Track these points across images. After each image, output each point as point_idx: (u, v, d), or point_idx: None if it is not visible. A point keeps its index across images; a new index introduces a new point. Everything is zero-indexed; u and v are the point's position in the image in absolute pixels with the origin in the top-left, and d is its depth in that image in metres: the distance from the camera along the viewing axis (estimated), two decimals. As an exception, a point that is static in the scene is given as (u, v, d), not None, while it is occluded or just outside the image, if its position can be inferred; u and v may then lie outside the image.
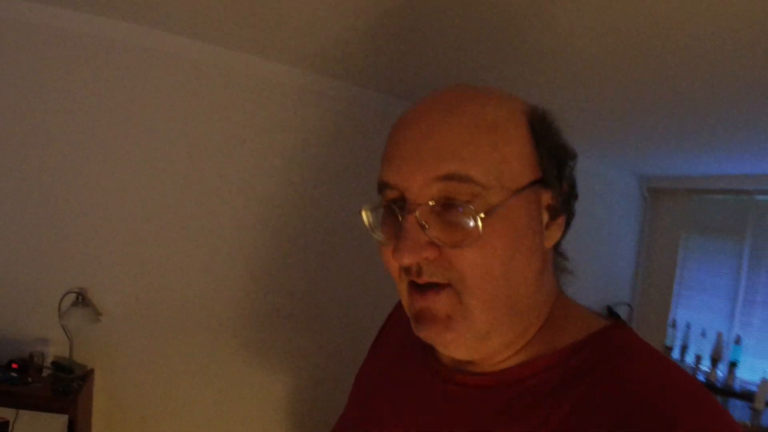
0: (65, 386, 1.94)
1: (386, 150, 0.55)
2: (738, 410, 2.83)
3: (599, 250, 3.88)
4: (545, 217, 0.54)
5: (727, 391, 3.17)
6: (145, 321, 2.35)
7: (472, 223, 0.48)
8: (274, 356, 2.69)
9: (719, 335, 3.44)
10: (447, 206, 0.50)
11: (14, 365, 1.95)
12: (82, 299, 2.15)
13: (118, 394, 2.30)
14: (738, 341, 3.34)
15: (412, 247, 0.49)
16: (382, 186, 0.54)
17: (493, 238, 0.49)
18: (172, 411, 2.44)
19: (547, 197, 0.54)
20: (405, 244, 0.49)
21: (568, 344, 0.53)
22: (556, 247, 0.59)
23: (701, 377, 3.38)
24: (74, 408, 1.88)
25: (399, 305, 0.77)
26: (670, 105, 2.29)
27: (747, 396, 2.99)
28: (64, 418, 1.88)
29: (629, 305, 4.14)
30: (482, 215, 0.48)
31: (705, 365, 3.50)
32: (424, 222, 0.50)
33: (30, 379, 1.94)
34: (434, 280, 0.51)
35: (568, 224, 0.58)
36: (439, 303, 0.51)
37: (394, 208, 0.53)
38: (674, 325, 3.86)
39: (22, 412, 1.81)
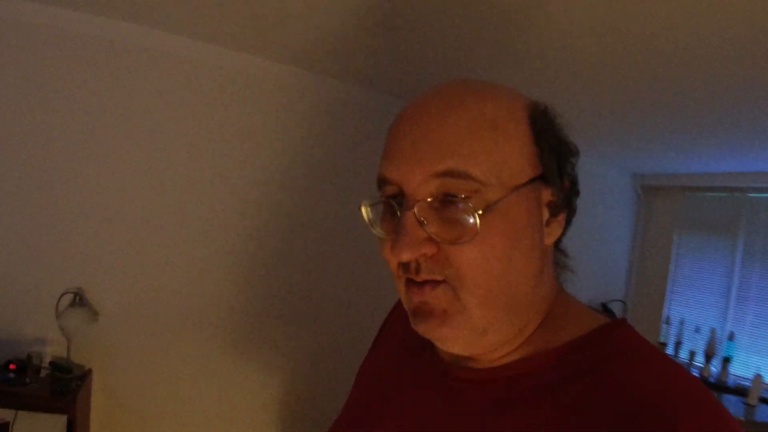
0: (63, 386, 1.94)
1: (386, 145, 0.55)
2: (732, 406, 2.86)
3: (593, 247, 3.91)
4: (545, 214, 0.54)
5: (721, 386, 3.20)
6: (143, 321, 2.34)
7: (470, 220, 0.48)
8: (271, 355, 2.69)
9: (713, 331, 3.48)
10: (445, 203, 0.49)
11: (12, 366, 1.94)
12: (79, 299, 2.14)
13: (116, 393, 2.29)
14: (731, 337, 3.38)
15: (410, 243, 0.49)
16: (381, 181, 0.54)
17: (491, 234, 0.48)
18: (170, 410, 2.44)
19: (547, 194, 0.54)
20: (403, 240, 0.49)
21: (567, 341, 0.53)
22: (557, 244, 0.59)
23: (695, 373, 3.42)
24: (73, 408, 1.87)
25: (399, 303, 0.77)
26: (665, 103, 2.31)
27: (740, 391, 3.02)
28: (63, 419, 1.87)
29: (623, 302, 4.17)
30: (480, 212, 0.48)
31: (699, 361, 3.53)
32: (422, 218, 0.50)
33: (28, 380, 1.93)
34: (431, 277, 0.51)
35: (569, 221, 0.58)
36: (436, 298, 0.51)
37: (393, 204, 0.53)
38: (668, 322, 3.90)
39: (20, 413, 1.79)
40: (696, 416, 0.41)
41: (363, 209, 0.58)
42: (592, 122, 2.71)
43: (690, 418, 0.41)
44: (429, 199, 0.50)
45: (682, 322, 3.79)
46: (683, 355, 3.66)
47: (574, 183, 0.57)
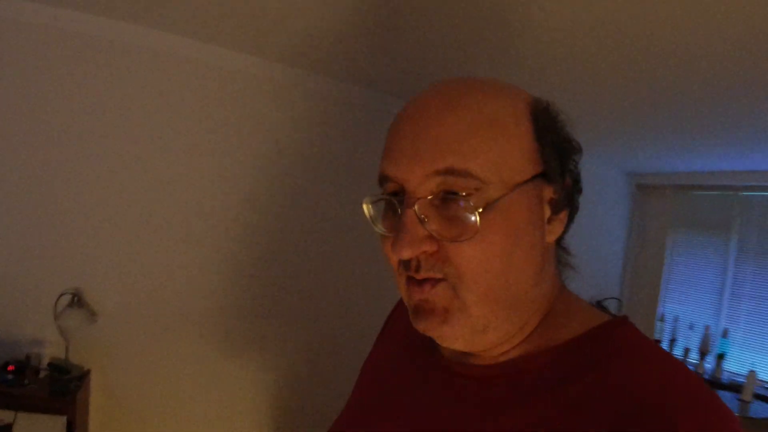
0: (62, 387, 1.94)
1: (387, 142, 0.55)
2: (726, 402, 2.87)
3: (589, 245, 3.93)
4: (547, 211, 0.54)
5: (715, 383, 3.24)
6: (141, 321, 2.34)
7: (470, 218, 0.48)
8: (268, 353, 2.69)
9: (707, 328, 3.51)
10: (446, 200, 0.49)
11: (10, 367, 1.94)
12: (77, 300, 2.14)
13: (115, 394, 2.29)
14: (725, 334, 3.41)
15: (410, 241, 0.49)
16: (383, 179, 0.54)
17: (491, 232, 0.48)
18: (169, 410, 2.44)
19: (549, 192, 0.53)
20: (403, 238, 0.49)
21: (568, 339, 0.53)
22: (559, 241, 0.59)
23: (690, 370, 3.44)
24: (72, 409, 1.88)
25: (401, 300, 0.77)
26: (660, 103, 2.33)
27: (735, 388, 3.05)
28: (62, 420, 1.88)
29: (618, 300, 4.20)
30: (480, 210, 0.48)
31: (693, 358, 3.57)
32: (423, 216, 0.49)
33: (27, 381, 1.93)
34: (431, 275, 0.51)
35: (571, 219, 0.58)
36: (437, 296, 0.51)
37: (394, 202, 0.53)
38: (663, 319, 3.93)
39: (20, 414, 1.79)
40: (696, 415, 0.41)
41: (365, 206, 0.58)
42: (588, 122, 2.73)
43: (690, 417, 0.41)
44: (429, 197, 0.50)
45: (676, 319, 3.83)
46: (677, 352, 3.69)
47: (576, 180, 0.57)
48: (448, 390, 0.58)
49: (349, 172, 2.83)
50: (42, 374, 2.03)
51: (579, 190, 0.58)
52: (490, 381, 0.54)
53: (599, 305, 0.60)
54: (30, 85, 2.04)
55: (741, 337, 3.46)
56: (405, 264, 0.53)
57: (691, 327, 3.68)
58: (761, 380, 3.09)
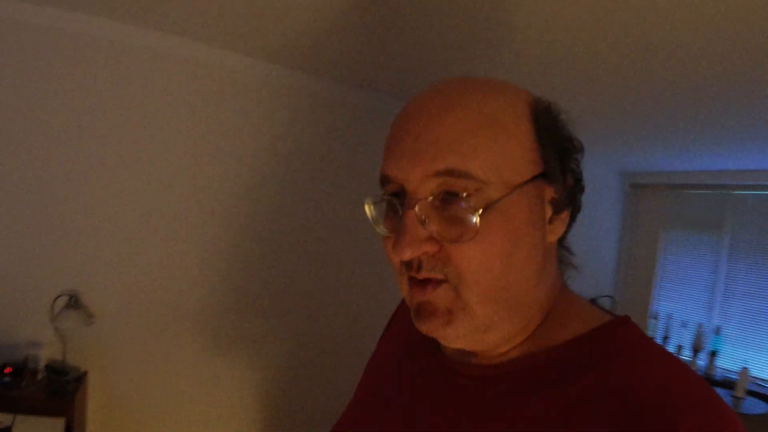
0: (60, 389, 1.93)
1: (387, 142, 0.55)
2: (719, 398, 2.91)
3: (582, 243, 3.93)
4: (548, 211, 0.53)
5: (708, 379, 3.27)
6: (139, 322, 2.34)
7: (471, 219, 0.48)
8: (266, 353, 2.70)
9: (699, 326, 3.55)
10: (446, 201, 0.49)
11: (8, 369, 1.93)
12: (74, 301, 2.13)
13: (112, 395, 2.29)
14: (718, 331, 3.45)
15: (411, 242, 0.49)
16: (383, 179, 0.54)
17: (491, 233, 0.48)
18: (167, 410, 2.44)
19: (550, 192, 0.53)
20: (404, 239, 0.49)
21: (570, 339, 0.52)
22: (561, 241, 0.58)
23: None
24: (71, 411, 1.88)
25: (404, 301, 0.76)
26: (654, 103, 2.35)
27: (728, 384, 3.09)
28: (61, 422, 1.87)
29: (612, 297, 4.23)
30: (480, 211, 0.48)
31: (686, 355, 3.60)
32: (423, 216, 0.49)
33: (24, 383, 1.93)
34: (432, 275, 0.51)
35: (573, 218, 0.57)
36: (439, 297, 0.51)
37: (395, 203, 0.53)
38: (656, 317, 3.97)
39: (19, 416, 1.79)
40: (697, 416, 0.41)
41: (366, 207, 0.58)
42: (583, 121, 2.75)
43: (691, 417, 0.41)
44: (429, 198, 0.49)
45: (669, 317, 3.87)
46: (670, 350, 3.71)
47: (578, 180, 0.57)
48: (451, 389, 0.58)
49: (345, 172, 2.83)
50: (40, 376, 2.03)
51: (581, 190, 0.57)
52: (492, 380, 0.54)
53: (592, 303, 0.60)
54: (24, 87, 2.04)
55: (733, 334, 3.51)
56: (407, 264, 0.53)
57: (684, 324, 3.72)
58: (753, 377, 3.13)
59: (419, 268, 0.51)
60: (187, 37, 2.27)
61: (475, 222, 0.48)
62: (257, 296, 2.64)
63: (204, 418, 2.54)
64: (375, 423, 0.64)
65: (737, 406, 2.82)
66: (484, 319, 0.51)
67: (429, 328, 0.53)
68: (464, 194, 0.48)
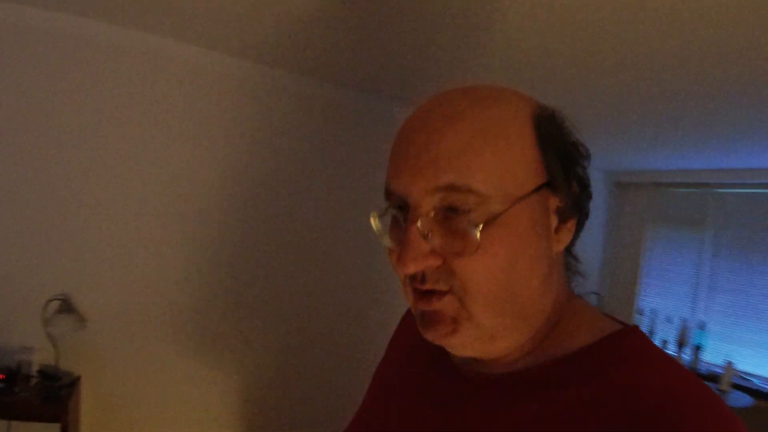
0: (54, 394, 1.92)
1: (391, 155, 0.55)
2: (704, 392, 2.98)
3: (569, 242, 4.00)
4: (554, 221, 0.53)
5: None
6: (131, 325, 2.32)
7: (473, 233, 0.48)
8: (259, 357, 2.70)
9: (684, 321, 3.62)
10: (449, 215, 0.49)
11: (1, 375, 1.91)
12: (66, 305, 2.11)
13: (105, 399, 2.27)
14: (702, 326, 3.52)
15: (414, 256, 0.49)
16: (387, 193, 0.54)
17: (494, 246, 0.48)
18: (160, 414, 2.43)
19: (555, 201, 0.53)
20: (407, 254, 0.49)
21: (579, 347, 0.52)
22: (569, 248, 0.58)
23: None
24: (65, 416, 1.86)
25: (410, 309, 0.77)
26: (638, 104, 2.39)
27: (713, 378, 3.16)
28: (56, 427, 1.86)
29: (598, 294, 4.29)
30: (481, 226, 0.47)
31: (671, 350, 3.67)
32: (426, 231, 0.49)
33: (17, 389, 1.91)
34: (437, 287, 0.51)
35: (581, 225, 0.57)
36: (444, 307, 0.51)
37: (399, 217, 0.53)
38: (641, 312, 4.04)
39: (14, 423, 1.77)
40: (700, 418, 0.42)
41: (372, 220, 0.58)
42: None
43: (694, 420, 0.41)
44: (431, 214, 0.50)
45: (654, 312, 3.94)
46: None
47: (585, 186, 0.56)
48: (458, 397, 0.58)
49: (338, 173, 2.84)
50: (33, 382, 2.01)
51: (588, 196, 0.57)
52: (499, 388, 0.54)
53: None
54: (12, 90, 2.02)
55: (717, 329, 3.58)
56: (411, 276, 0.53)
57: (668, 320, 3.79)
58: (738, 370, 3.21)
59: (423, 280, 0.51)
60: (176, 39, 2.26)
61: (477, 236, 0.48)
62: (251, 299, 2.63)
63: (198, 421, 2.53)
64: (383, 429, 0.64)
65: (723, 399, 2.88)
66: (489, 329, 0.51)
67: (435, 336, 0.53)
68: (466, 209, 0.48)
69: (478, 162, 0.48)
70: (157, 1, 1.86)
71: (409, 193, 0.50)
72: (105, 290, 2.25)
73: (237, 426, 2.66)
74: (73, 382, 2.08)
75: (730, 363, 3.06)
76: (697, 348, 3.48)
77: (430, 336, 0.53)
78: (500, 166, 0.48)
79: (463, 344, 0.53)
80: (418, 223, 0.49)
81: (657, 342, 3.75)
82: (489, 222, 0.48)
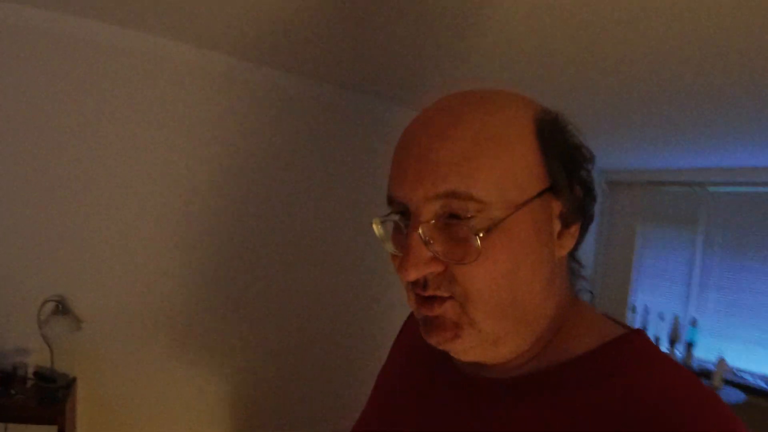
0: (50, 396, 1.92)
1: (392, 161, 0.55)
2: (697, 387, 3.01)
3: (562, 240, 4.02)
4: (557, 226, 0.53)
5: (685, 370, 3.37)
6: (127, 327, 2.32)
7: (474, 240, 0.48)
8: (255, 358, 2.70)
9: (676, 318, 3.65)
10: (450, 222, 0.49)
11: (-4, 378, 1.89)
12: (62, 307, 2.09)
13: (101, 401, 2.26)
14: (694, 323, 3.56)
15: (415, 263, 0.49)
16: (389, 199, 0.54)
17: (495, 253, 0.48)
18: (156, 416, 2.42)
19: (558, 206, 0.52)
20: (408, 261, 0.49)
21: (583, 352, 0.52)
22: (572, 252, 0.58)
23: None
24: (62, 418, 1.85)
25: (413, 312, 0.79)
26: (630, 104, 2.41)
27: (705, 374, 3.20)
28: (53, 429, 1.85)
29: (591, 292, 4.31)
30: (481, 234, 0.47)
31: (663, 347, 3.71)
32: (427, 238, 0.50)
33: (13, 391, 1.90)
34: (438, 293, 0.51)
35: (585, 229, 0.56)
36: (446, 312, 0.51)
37: (400, 224, 0.54)
38: (633, 310, 4.07)
39: (11, 426, 1.75)
40: (704, 425, 0.42)
41: (374, 226, 0.58)
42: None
43: (698, 426, 0.42)
44: (433, 221, 0.50)
45: (646, 310, 3.97)
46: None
47: (589, 190, 0.56)
48: (462, 401, 0.58)
49: (328, 173, 2.84)
50: (29, 384, 1.99)
51: (593, 199, 0.56)
52: (503, 393, 0.54)
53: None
54: (5, 92, 2.00)
55: (709, 325, 3.62)
56: (413, 282, 0.53)
57: (661, 317, 3.83)
58: (730, 366, 3.25)
59: (425, 286, 0.52)
60: (174, 39, 2.25)
61: (478, 243, 0.48)
62: (247, 300, 2.63)
63: (194, 421, 2.53)
64: (386, 431, 0.64)
65: (723, 401, 2.91)
66: (491, 334, 0.52)
67: (437, 341, 0.53)
68: (467, 215, 0.48)
69: (479, 169, 0.48)
70: (154, 1, 1.85)
71: (410, 200, 0.50)
72: (100, 291, 2.24)
73: (233, 427, 2.65)
74: (70, 384, 2.07)
75: (722, 359, 3.10)
76: (689, 344, 3.52)
77: (433, 341, 0.53)
78: (501, 172, 0.48)
79: (465, 349, 0.53)
80: (420, 230, 0.49)
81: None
82: (490, 229, 0.48)
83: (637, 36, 1.67)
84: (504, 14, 1.63)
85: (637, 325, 3.90)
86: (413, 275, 0.50)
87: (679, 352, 3.57)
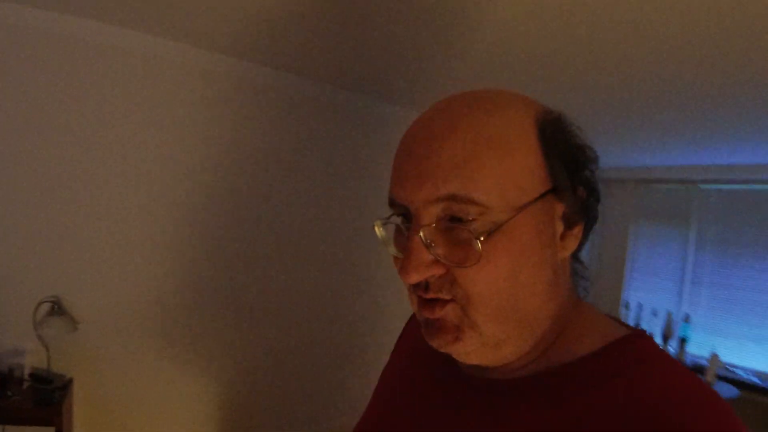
0: (47, 397, 1.91)
1: (394, 163, 0.54)
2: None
3: (555, 238, 4.05)
4: (560, 227, 0.53)
5: (678, 366, 3.39)
6: (123, 327, 2.31)
7: (475, 243, 0.47)
8: (253, 358, 2.70)
9: (669, 314, 3.68)
10: (451, 225, 0.49)
11: (-8, 379, 1.89)
12: (58, 308, 2.09)
13: (98, 402, 2.26)
14: (687, 319, 3.59)
15: (416, 266, 0.49)
16: (391, 201, 0.54)
17: (496, 256, 0.48)
18: (153, 416, 2.41)
19: (560, 207, 0.52)
20: (409, 264, 0.49)
21: (586, 353, 0.52)
22: (575, 253, 0.57)
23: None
24: (59, 419, 1.85)
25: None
26: (622, 103, 2.43)
27: (698, 370, 3.22)
28: (50, 431, 1.84)
29: (585, 289, 4.34)
30: (482, 238, 0.47)
31: (657, 343, 3.73)
32: (428, 241, 0.49)
33: (10, 393, 1.89)
34: (440, 296, 0.51)
35: (589, 229, 0.56)
36: (447, 315, 0.51)
37: (402, 226, 0.54)
38: (627, 306, 4.10)
39: (8, 428, 1.75)
40: (706, 425, 0.42)
41: (376, 228, 0.58)
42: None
43: (700, 426, 0.42)
44: (434, 224, 0.50)
45: (640, 306, 4.00)
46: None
47: (593, 190, 0.55)
48: (464, 402, 0.58)
49: (323, 173, 2.84)
50: (25, 385, 1.99)
51: (596, 200, 0.56)
52: (505, 394, 0.54)
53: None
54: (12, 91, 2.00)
55: (702, 321, 3.66)
56: (414, 284, 0.53)
57: (654, 313, 3.86)
58: (722, 362, 3.28)
59: (427, 289, 0.51)
60: (173, 39, 2.25)
61: (479, 247, 0.47)
62: (244, 301, 2.64)
63: (190, 422, 2.53)
64: (389, 431, 0.64)
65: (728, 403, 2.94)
66: (493, 337, 0.51)
67: (439, 343, 0.53)
68: (468, 218, 0.48)
69: (480, 172, 0.47)
70: (154, 1, 1.85)
71: (411, 202, 0.50)
72: (97, 292, 2.24)
73: (229, 427, 2.65)
74: (66, 385, 2.06)
75: (714, 355, 3.13)
76: (683, 340, 3.54)
77: (435, 344, 0.54)
78: (502, 175, 0.48)
79: (467, 352, 0.53)
80: (421, 233, 0.49)
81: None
82: (491, 232, 0.48)
83: (636, 36, 1.68)
84: (503, 14, 1.64)
85: (630, 322, 3.95)
86: (414, 278, 0.50)
87: (672, 348, 3.60)
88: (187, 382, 2.49)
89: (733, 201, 3.61)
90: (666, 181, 4.02)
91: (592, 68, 2.03)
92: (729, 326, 3.53)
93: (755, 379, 3.26)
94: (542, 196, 0.50)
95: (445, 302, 0.51)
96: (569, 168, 0.52)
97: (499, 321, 0.50)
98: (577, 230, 0.54)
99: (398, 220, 0.55)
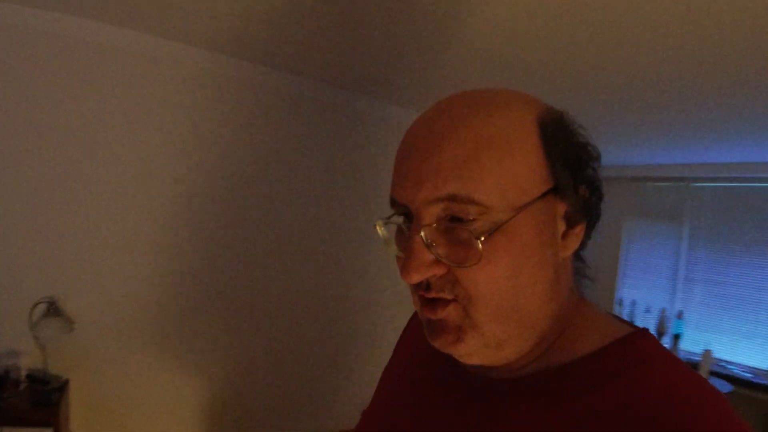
0: (44, 398, 1.90)
1: (395, 163, 0.54)
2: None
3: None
4: (561, 226, 0.53)
5: (672, 362, 3.43)
6: (120, 328, 2.31)
7: (475, 243, 0.47)
8: (248, 358, 2.69)
9: (662, 311, 3.72)
10: (452, 224, 0.49)
11: (-12, 381, 1.87)
12: (54, 309, 2.07)
13: (95, 402, 2.25)
14: (680, 316, 3.63)
15: (417, 266, 0.49)
16: (392, 201, 0.54)
17: (497, 256, 0.48)
18: (149, 417, 2.40)
19: (562, 206, 0.52)
20: (410, 264, 0.49)
21: (588, 352, 0.52)
22: (577, 252, 0.57)
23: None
24: (57, 420, 1.84)
25: (416, 313, 0.75)
26: (616, 101, 2.45)
27: (691, 366, 3.26)
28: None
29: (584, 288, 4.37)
30: (483, 238, 0.47)
31: (659, 341, 3.77)
32: (429, 241, 0.49)
33: (6, 394, 1.88)
34: (441, 295, 0.51)
35: (592, 227, 0.56)
36: (449, 315, 0.51)
37: (403, 226, 0.54)
38: (621, 303, 4.14)
39: (5, 429, 1.74)
40: (708, 424, 0.42)
41: (377, 228, 0.58)
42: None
43: (702, 425, 0.42)
44: (434, 224, 0.49)
45: (633, 303, 4.04)
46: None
47: (596, 188, 0.55)
48: (466, 401, 0.58)
49: (319, 172, 2.84)
50: (22, 386, 1.98)
51: (599, 198, 0.56)
52: (507, 394, 0.54)
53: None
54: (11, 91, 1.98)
55: (695, 318, 3.70)
56: (416, 284, 0.52)
57: (647, 310, 3.90)
58: (716, 358, 3.31)
59: (428, 288, 0.51)
60: (171, 39, 2.24)
61: (479, 247, 0.47)
62: (239, 302, 2.64)
63: (187, 422, 2.52)
64: (391, 430, 0.64)
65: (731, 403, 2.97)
66: (494, 337, 0.51)
67: (441, 344, 0.53)
68: (469, 218, 0.48)
69: (480, 171, 0.47)
70: (154, 1, 1.84)
71: (411, 202, 0.50)
72: (93, 292, 2.23)
73: (228, 427, 2.65)
74: (63, 386, 2.06)
75: (708, 351, 3.16)
76: (676, 337, 3.58)
77: (437, 344, 0.54)
78: (503, 174, 0.48)
79: (468, 352, 0.53)
80: (422, 233, 0.49)
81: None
82: (492, 232, 0.47)
83: (635, 37, 1.69)
84: (503, 14, 1.65)
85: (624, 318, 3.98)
86: (415, 278, 0.50)
87: (666, 345, 3.63)
88: (184, 382, 2.49)
89: (725, 199, 3.65)
90: (659, 179, 4.05)
91: (591, 69, 2.04)
92: (722, 323, 3.57)
93: (748, 375, 3.30)
94: (543, 195, 0.50)
95: (447, 302, 0.51)
96: (571, 167, 0.52)
97: (500, 321, 0.50)
98: (579, 229, 0.54)
99: (399, 219, 0.55)
